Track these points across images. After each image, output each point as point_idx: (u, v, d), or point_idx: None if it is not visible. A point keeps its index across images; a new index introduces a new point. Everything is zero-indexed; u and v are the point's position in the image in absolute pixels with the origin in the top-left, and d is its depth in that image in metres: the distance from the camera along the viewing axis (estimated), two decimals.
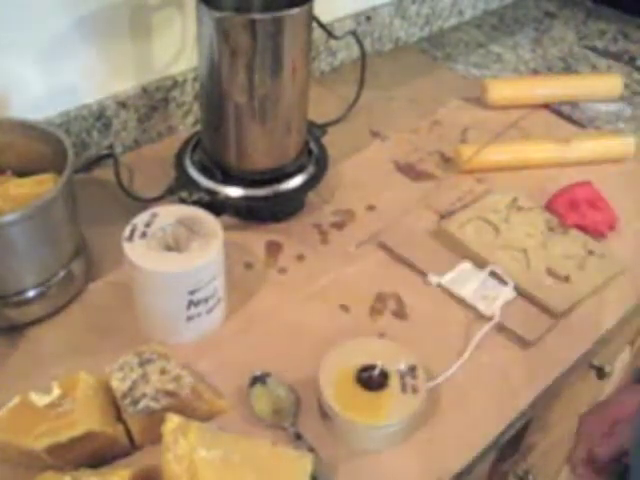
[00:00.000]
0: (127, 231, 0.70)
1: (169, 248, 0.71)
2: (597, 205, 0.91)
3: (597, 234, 0.89)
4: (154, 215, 0.72)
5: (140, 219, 0.72)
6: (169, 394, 0.61)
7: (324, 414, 0.66)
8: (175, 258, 0.69)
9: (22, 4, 0.80)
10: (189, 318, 0.71)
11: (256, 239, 0.86)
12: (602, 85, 1.16)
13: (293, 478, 0.58)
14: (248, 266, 0.83)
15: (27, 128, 0.76)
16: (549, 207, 0.92)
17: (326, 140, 0.96)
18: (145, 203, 0.86)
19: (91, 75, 0.90)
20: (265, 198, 0.86)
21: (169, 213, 0.73)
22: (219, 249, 0.70)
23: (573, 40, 1.36)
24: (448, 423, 0.68)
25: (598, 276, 0.83)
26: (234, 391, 0.69)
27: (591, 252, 0.86)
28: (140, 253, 0.68)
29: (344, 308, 0.79)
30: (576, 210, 0.90)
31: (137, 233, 0.70)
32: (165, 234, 0.71)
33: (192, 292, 0.69)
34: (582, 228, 0.89)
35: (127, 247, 0.69)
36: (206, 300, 0.71)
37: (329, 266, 0.83)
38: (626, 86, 1.18)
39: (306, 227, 0.89)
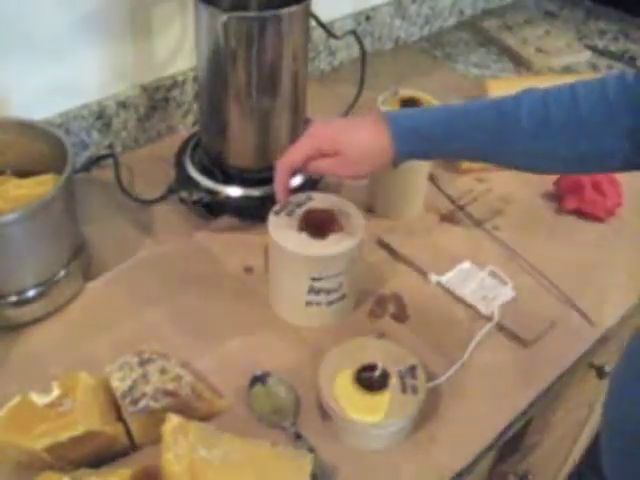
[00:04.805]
0: (279, 206, 0.73)
1: None
2: (601, 189, 0.90)
3: (594, 218, 0.90)
4: (309, 198, 0.75)
5: (296, 198, 0.75)
6: (169, 394, 0.61)
7: (324, 414, 0.66)
8: (308, 242, 0.71)
9: (22, 4, 0.80)
10: (308, 303, 0.73)
11: (256, 239, 0.86)
12: None
13: (293, 478, 0.58)
14: (248, 266, 0.83)
15: (27, 128, 0.76)
16: (555, 186, 0.93)
17: None
18: (145, 203, 0.86)
19: (91, 75, 0.90)
20: (265, 198, 0.86)
21: (323, 200, 0.75)
22: (353, 247, 0.71)
23: (573, 40, 1.36)
24: (448, 423, 0.68)
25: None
26: (234, 391, 0.69)
27: None
28: (279, 228, 0.72)
29: None
30: (578, 193, 0.90)
31: (286, 210, 0.73)
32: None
33: (314, 279, 0.71)
34: (580, 212, 0.90)
35: (271, 219, 0.72)
36: (328, 292, 0.72)
37: None
38: None
39: None
